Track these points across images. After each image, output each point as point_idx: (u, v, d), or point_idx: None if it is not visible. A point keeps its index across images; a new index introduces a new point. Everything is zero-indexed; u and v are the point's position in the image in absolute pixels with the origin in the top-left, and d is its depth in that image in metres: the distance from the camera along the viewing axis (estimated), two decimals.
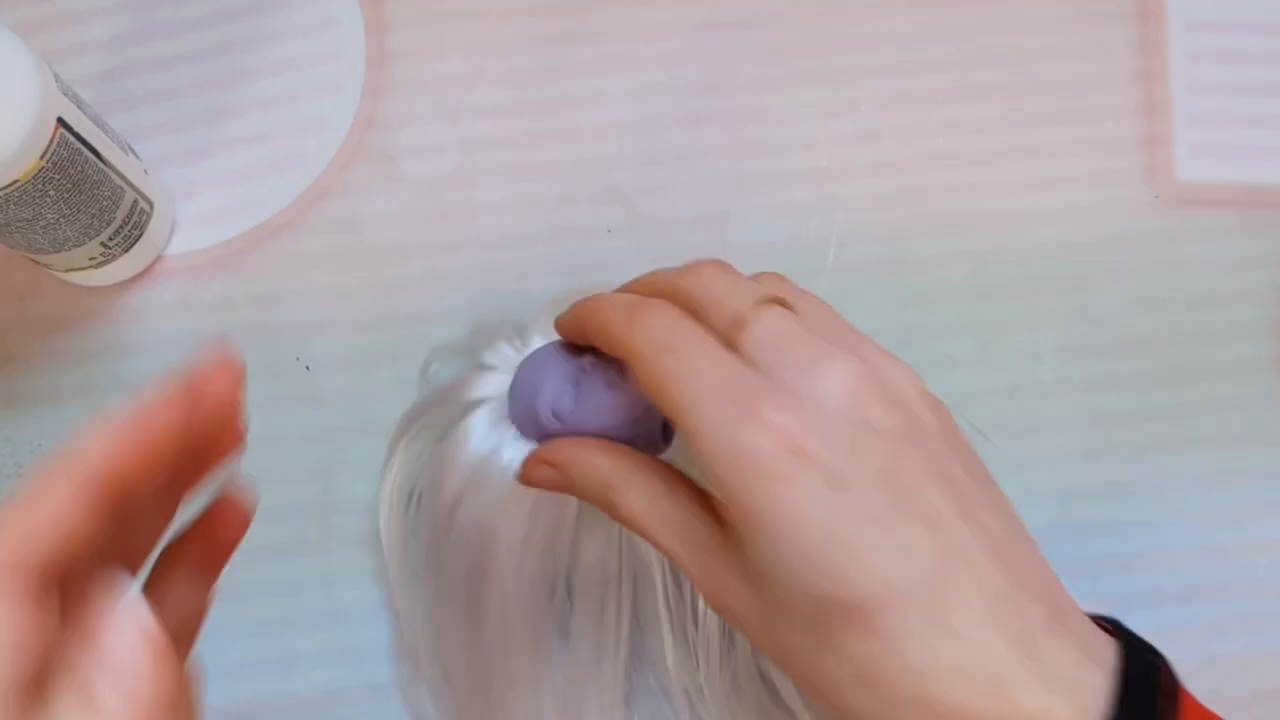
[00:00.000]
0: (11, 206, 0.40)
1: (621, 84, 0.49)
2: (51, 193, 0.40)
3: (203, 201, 0.49)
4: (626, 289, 0.37)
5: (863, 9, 0.50)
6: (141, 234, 0.46)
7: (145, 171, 0.46)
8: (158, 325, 0.48)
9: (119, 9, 0.50)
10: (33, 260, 0.45)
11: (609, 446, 0.35)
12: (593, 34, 0.50)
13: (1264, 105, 0.49)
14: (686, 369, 0.31)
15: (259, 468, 0.46)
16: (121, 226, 0.45)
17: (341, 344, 0.47)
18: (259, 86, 0.49)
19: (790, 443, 0.29)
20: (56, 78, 0.40)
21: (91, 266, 0.46)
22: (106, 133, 0.43)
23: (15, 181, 0.39)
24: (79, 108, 0.41)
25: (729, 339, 0.32)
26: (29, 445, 0.47)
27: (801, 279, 0.36)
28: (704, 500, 0.33)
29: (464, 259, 0.48)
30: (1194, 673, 0.44)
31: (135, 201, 0.45)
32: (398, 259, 0.48)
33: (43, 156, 0.39)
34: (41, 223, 0.42)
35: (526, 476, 0.37)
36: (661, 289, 0.35)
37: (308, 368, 0.47)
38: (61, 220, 0.42)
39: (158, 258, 0.48)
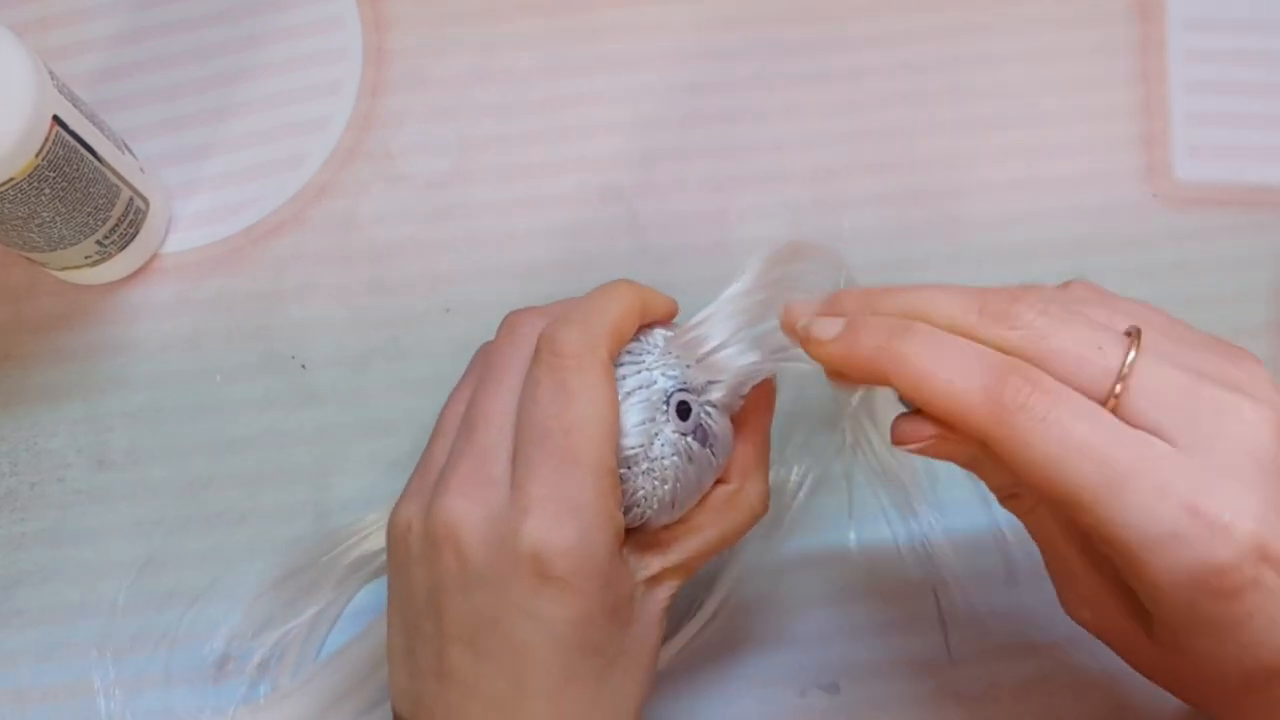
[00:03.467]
0: (6, 205, 0.40)
1: (621, 83, 0.49)
2: (47, 191, 0.40)
3: (200, 200, 0.49)
4: (923, 317, 0.32)
5: (863, 9, 0.50)
6: (137, 232, 0.46)
7: (141, 170, 0.46)
8: (155, 323, 0.47)
9: (116, 8, 0.50)
10: (28, 259, 0.45)
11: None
12: (592, 33, 0.50)
13: (1263, 105, 0.49)
14: (1080, 444, 0.28)
15: (255, 466, 0.46)
16: (117, 225, 0.45)
17: (338, 343, 0.47)
18: (257, 85, 0.49)
19: (1257, 550, 0.27)
20: (53, 76, 0.40)
21: (87, 265, 0.46)
22: (103, 131, 0.43)
23: (10, 180, 0.39)
24: (75, 106, 0.41)
25: (1099, 396, 0.29)
26: (25, 443, 0.46)
27: None
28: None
29: (462, 258, 0.48)
30: None
31: (131, 200, 0.45)
32: (396, 258, 0.48)
33: (38, 155, 0.39)
34: (37, 221, 0.41)
35: (908, 437, 0.32)
36: (983, 335, 0.31)
37: (304, 366, 0.47)
38: (57, 218, 0.42)
39: (154, 256, 0.48)
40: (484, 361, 0.38)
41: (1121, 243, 0.48)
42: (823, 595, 0.44)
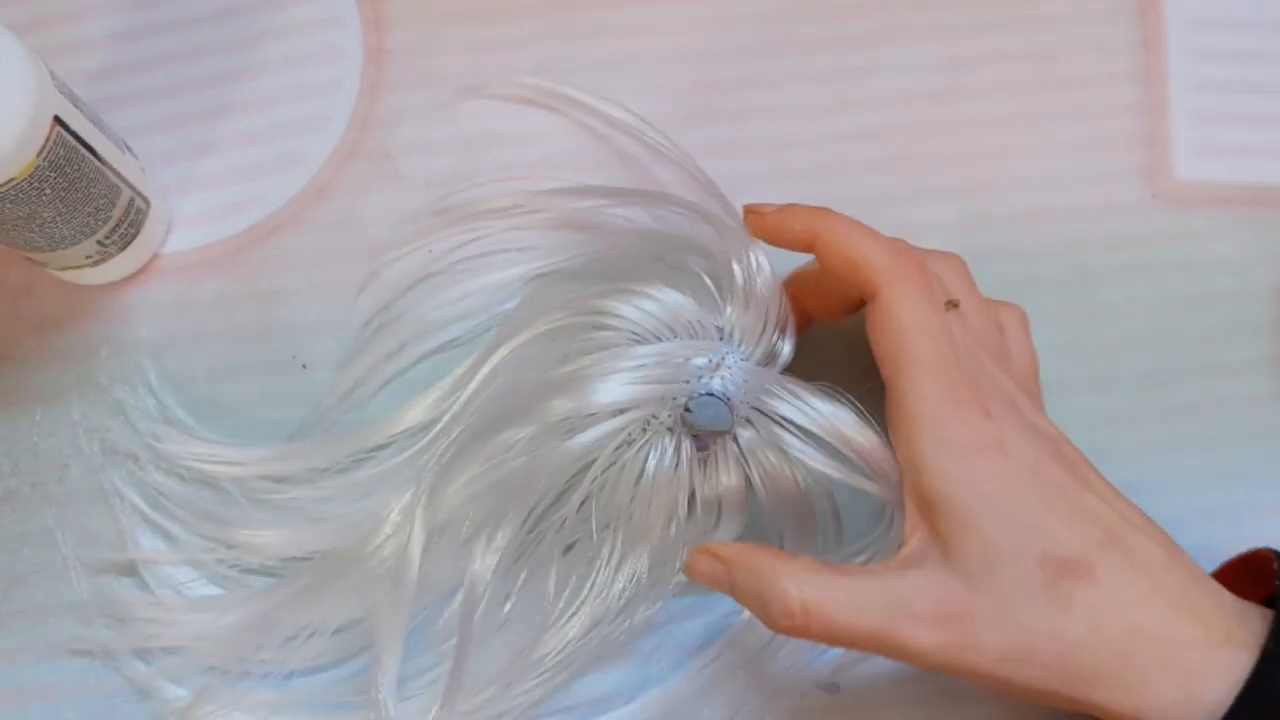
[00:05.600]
0: (7, 205, 0.40)
1: (621, 83, 0.49)
2: (48, 191, 0.40)
3: (200, 199, 0.49)
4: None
5: (863, 8, 0.50)
6: (138, 232, 0.46)
7: (142, 169, 0.46)
8: (154, 324, 0.47)
9: (115, 8, 0.50)
10: (28, 258, 0.45)
11: (776, 552, 0.38)
12: (592, 33, 0.50)
13: (1264, 104, 0.49)
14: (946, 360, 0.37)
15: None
16: (118, 225, 0.45)
17: (339, 343, 0.47)
18: (257, 84, 0.49)
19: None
20: (53, 75, 0.40)
21: (88, 265, 0.46)
22: (103, 130, 0.43)
23: (11, 180, 0.39)
24: (75, 105, 0.41)
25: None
26: (25, 443, 0.46)
27: None
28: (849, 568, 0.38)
29: (463, 258, 0.48)
30: None
31: (131, 200, 0.45)
32: (396, 257, 0.48)
33: (39, 155, 0.39)
34: (37, 221, 0.41)
35: (692, 567, 0.39)
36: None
37: (305, 366, 0.47)
38: (57, 218, 0.42)
39: (154, 256, 0.48)
40: None
41: (1121, 242, 0.48)
42: None
